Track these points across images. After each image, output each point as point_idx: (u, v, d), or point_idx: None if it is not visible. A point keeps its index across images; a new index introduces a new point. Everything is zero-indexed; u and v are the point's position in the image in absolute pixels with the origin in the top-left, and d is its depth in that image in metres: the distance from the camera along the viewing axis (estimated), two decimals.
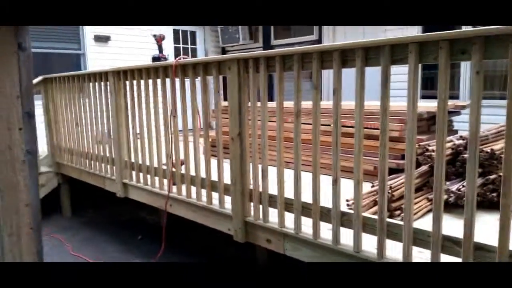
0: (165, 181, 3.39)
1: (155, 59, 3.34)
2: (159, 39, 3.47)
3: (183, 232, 4.50)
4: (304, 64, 2.23)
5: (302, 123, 2.31)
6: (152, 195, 3.57)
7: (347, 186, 2.29)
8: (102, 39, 6.64)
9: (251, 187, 2.65)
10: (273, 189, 2.51)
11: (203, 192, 3.04)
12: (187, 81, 2.99)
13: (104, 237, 4.68)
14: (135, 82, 3.57)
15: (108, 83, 3.87)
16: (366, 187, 2.57)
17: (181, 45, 7.85)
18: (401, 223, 1.95)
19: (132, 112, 3.68)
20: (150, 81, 3.36)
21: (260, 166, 2.56)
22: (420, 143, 3.00)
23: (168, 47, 7.57)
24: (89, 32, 6.55)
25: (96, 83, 4.11)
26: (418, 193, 2.76)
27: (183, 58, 2.94)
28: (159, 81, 3.26)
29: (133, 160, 3.79)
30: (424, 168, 2.89)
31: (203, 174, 2.99)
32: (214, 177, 2.88)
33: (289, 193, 2.42)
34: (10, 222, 1.40)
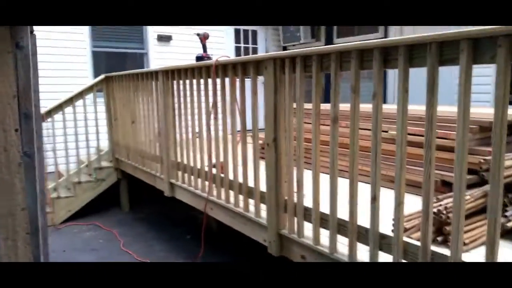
0: (206, 183, 3.31)
1: (198, 58, 3.28)
2: (203, 38, 3.40)
3: (232, 234, 4.42)
4: (342, 64, 1.99)
5: (361, 129, 2.06)
6: (195, 197, 3.52)
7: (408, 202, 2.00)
8: (164, 39, 6.81)
9: (286, 197, 2.46)
10: (309, 200, 2.30)
11: (241, 198, 2.90)
12: (237, 82, 2.87)
13: (154, 234, 4.76)
14: (181, 82, 3.54)
15: (158, 82, 3.89)
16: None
17: (242, 45, 7.82)
18: (449, 253, 1.65)
19: (178, 111, 3.67)
20: (195, 81, 3.30)
21: (295, 175, 2.36)
22: (485, 157, 2.59)
23: (229, 46, 7.58)
24: (152, 32, 6.75)
25: (148, 82, 4.17)
26: (481, 215, 2.38)
27: (224, 57, 2.83)
28: (202, 81, 3.18)
29: (179, 160, 3.78)
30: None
31: (242, 179, 2.86)
32: (253, 182, 2.73)
33: (326, 207, 2.19)
34: (5, 226, 1.35)
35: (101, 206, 5.68)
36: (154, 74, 3.98)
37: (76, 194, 5.32)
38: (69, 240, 4.64)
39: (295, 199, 2.38)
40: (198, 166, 3.42)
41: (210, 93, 3.06)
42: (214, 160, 3.18)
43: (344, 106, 2.23)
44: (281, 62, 2.34)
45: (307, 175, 2.30)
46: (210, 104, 3.10)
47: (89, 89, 5.36)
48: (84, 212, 5.39)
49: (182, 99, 3.57)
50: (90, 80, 5.78)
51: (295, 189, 2.37)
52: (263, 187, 2.62)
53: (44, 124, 5.08)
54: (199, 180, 3.44)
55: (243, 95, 2.74)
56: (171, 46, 6.91)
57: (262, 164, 2.60)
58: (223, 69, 2.89)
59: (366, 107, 2.19)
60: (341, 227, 2.12)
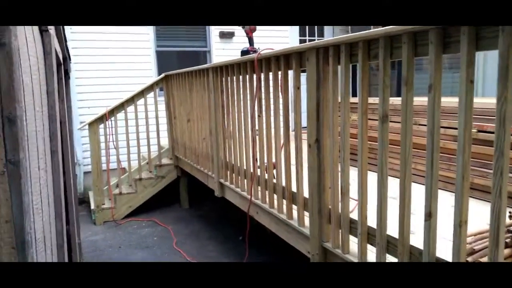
0: (254, 186, 3.10)
1: (244, 53, 3.07)
2: (249, 31, 3.18)
3: None
4: (393, 51, 1.64)
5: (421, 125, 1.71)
6: (242, 199, 3.33)
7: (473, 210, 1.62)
8: (226, 36, 6.73)
9: (330, 206, 2.16)
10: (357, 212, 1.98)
11: (285, 203, 2.65)
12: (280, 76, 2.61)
13: (209, 233, 4.67)
14: (229, 78, 3.36)
15: (208, 79, 3.76)
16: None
17: (307, 38, 7.48)
18: None
19: (226, 109, 3.50)
20: (241, 78, 3.10)
21: (340, 181, 2.05)
22: None
23: (293, 40, 7.29)
24: (214, 29, 6.70)
25: (200, 80, 4.06)
26: None
27: (267, 50, 2.58)
28: (247, 77, 2.97)
29: (227, 159, 3.61)
30: None
31: (285, 183, 2.60)
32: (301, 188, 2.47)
33: (375, 217, 1.85)
34: None
35: (161, 202, 5.76)
36: (205, 71, 3.86)
37: (137, 190, 5.43)
38: (127, 236, 4.73)
39: (340, 209, 2.07)
40: (244, 166, 3.22)
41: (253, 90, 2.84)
42: (265, 161, 2.96)
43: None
44: (324, 52, 2.04)
45: (355, 177, 1.98)
46: (255, 102, 2.88)
47: (150, 88, 5.43)
48: (144, 208, 5.49)
49: (229, 96, 3.40)
50: (154, 79, 5.86)
51: (340, 197, 2.06)
52: (306, 193, 2.34)
53: (107, 123, 5.24)
54: (245, 181, 3.24)
55: (286, 91, 2.48)
56: (233, 42, 6.81)
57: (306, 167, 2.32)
58: (267, 62, 2.64)
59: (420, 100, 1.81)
60: (391, 246, 1.78)
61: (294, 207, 2.54)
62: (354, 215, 2.00)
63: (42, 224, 1.53)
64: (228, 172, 3.60)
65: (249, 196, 3.12)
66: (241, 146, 3.26)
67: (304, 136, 2.34)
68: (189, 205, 5.81)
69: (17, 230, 1.25)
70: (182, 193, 5.81)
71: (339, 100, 1.97)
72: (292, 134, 2.49)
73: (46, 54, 1.70)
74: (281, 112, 2.56)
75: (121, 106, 5.30)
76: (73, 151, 3.61)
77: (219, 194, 3.83)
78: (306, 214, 2.41)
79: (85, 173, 6.20)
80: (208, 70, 3.73)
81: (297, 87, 2.33)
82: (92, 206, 5.32)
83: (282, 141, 2.59)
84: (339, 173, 2.04)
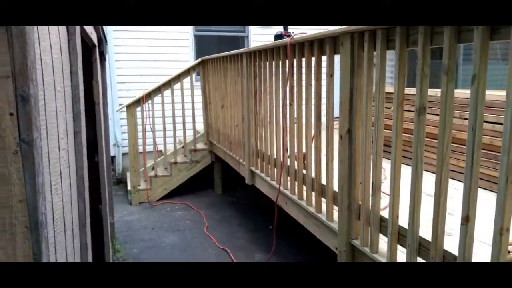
0: (283, 176, 3.02)
1: (277, 37, 2.95)
2: None
3: None
4: (434, 37, 1.49)
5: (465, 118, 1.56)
6: (271, 188, 3.26)
7: None
8: None
9: (360, 202, 2.04)
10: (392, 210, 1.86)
11: (314, 196, 2.55)
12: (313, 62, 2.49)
13: (239, 220, 4.65)
14: (262, 64, 3.27)
15: (242, 65, 3.69)
16: None
17: None
18: None
19: (259, 96, 3.41)
20: (274, 63, 3.00)
21: (371, 175, 1.93)
22: None
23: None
24: None
25: (234, 65, 3.99)
26: None
27: (301, 34, 2.46)
28: (280, 62, 2.87)
29: (258, 147, 3.55)
30: None
31: (314, 175, 2.50)
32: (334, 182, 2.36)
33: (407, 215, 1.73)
34: (2, 218, 1.23)
35: (195, 187, 5.81)
36: (240, 56, 3.78)
37: (172, 173, 5.50)
38: (160, 218, 4.80)
39: (370, 205, 1.95)
40: (274, 155, 3.14)
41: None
42: (295, 151, 2.86)
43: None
44: (359, 37, 1.90)
45: (388, 170, 1.85)
46: (286, 89, 2.78)
47: (187, 72, 5.44)
48: (179, 191, 5.56)
49: (262, 83, 3.31)
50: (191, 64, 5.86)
51: (371, 192, 1.94)
52: (336, 186, 2.23)
53: (144, 106, 5.31)
54: (275, 171, 3.16)
55: (319, 78, 2.36)
56: (271, 28, 6.66)
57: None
58: (300, 48, 2.53)
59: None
60: (423, 249, 1.65)
61: (323, 200, 2.44)
62: (386, 213, 1.88)
63: (62, 204, 1.53)
64: (259, 160, 3.53)
65: (278, 186, 3.04)
66: (271, 134, 3.18)
67: (336, 126, 2.23)
68: (222, 190, 5.83)
69: (30, 209, 1.25)
70: (216, 179, 5.82)
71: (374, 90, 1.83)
72: (323, 124, 2.38)
73: (69, 35, 1.69)
74: (313, 100, 2.45)
75: (158, 90, 5.34)
76: (108, 133, 3.68)
77: (249, 182, 3.78)
78: (335, 208, 2.31)
79: (124, 154, 6.36)
80: (242, 55, 3.65)
81: (330, 75, 2.20)
82: (129, 187, 5.46)
83: (313, 131, 2.48)
84: (371, 167, 1.91)
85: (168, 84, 5.36)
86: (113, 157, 6.62)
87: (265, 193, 3.46)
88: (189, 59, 6.33)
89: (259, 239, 4.10)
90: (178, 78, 5.38)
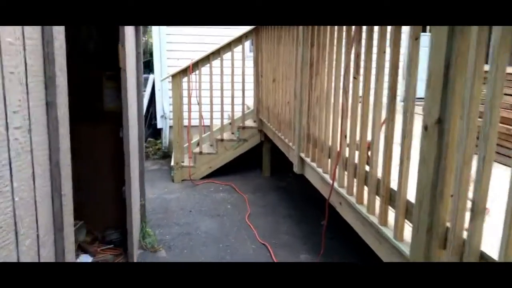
0: (337, 170, 2.41)
1: None
2: None
3: None
4: None
5: None
6: (323, 182, 2.67)
7: None
8: None
9: (448, 224, 1.40)
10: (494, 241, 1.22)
11: (378, 202, 1.93)
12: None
13: (286, 210, 4.12)
14: (322, 27, 2.62)
15: (298, 30, 3.06)
16: None
17: None
18: None
19: (316, 68, 2.79)
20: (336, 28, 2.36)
21: (472, 189, 1.28)
22: None
23: None
24: None
25: (290, 31, 3.37)
26: None
27: None
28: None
29: (311, 131, 2.95)
30: None
31: (381, 175, 1.87)
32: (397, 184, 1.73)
33: None
34: None
35: (241, 166, 5.35)
36: None
37: (218, 151, 5.07)
38: (200, 199, 4.41)
39: (465, 234, 1.31)
40: (329, 142, 2.53)
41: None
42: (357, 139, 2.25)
43: None
44: None
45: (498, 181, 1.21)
46: (351, 57, 2.14)
47: (238, 41, 4.88)
48: (224, 171, 5.14)
49: (320, 50, 2.67)
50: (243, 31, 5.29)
51: (467, 214, 1.30)
52: (412, 195, 1.60)
53: (191, 76, 4.87)
54: (329, 162, 2.56)
55: (397, 43, 1.70)
56: None
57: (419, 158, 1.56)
58: None
59: None
60: None
61: (391, 209, 1.82)
62: (487, 246, 1.24)
63: (12, 206, 1.08)
64: (310, 146, 2.94)
65: (331, 181, 2.45)
66: (327, 115, 2.56)
67: (419, 111, 1.58)
68: (270, 173, 5.31)
69: None
70: (264, 160, 5.31)
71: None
72: (399, 107, 1.73)
73: None
74: (386, 73, 1.80)
75: (207, 59, 4.86)
76: (141, 104, 3.26)
77: (298, 170, 3.21)
78: (408, 223, 1.68)
79: (171, 127, 6.03)
80: None
81: (415, 37, 1.53)
82: (172, 163, 5.12)
83: (383, 115, 1.84)
84: (471, 176, 1.27)
85: (218, 53, 4.85)
86: (160, 130, 6.34)
87: (316, 186, 2.88)
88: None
89: (307, 236, 3.55)
90: (229, 46, 4.84)
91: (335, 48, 2.39)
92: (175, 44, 5.91)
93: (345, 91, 2.23)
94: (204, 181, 5.00)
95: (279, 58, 3.79)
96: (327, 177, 2.57)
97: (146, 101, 6.27)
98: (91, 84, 3.17)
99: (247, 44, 5.19)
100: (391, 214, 1.81)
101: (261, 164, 5.36)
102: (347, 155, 2.26)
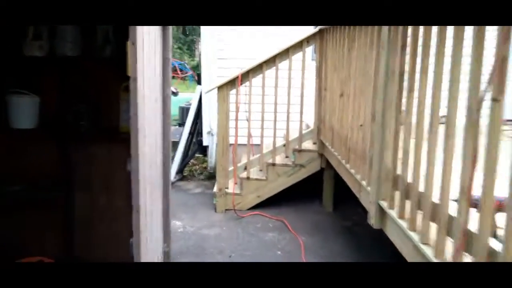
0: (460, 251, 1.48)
1: None
2: None
3: None
4: None
5: None
6: (418, 253, 1.74)
7: None
8: None
9: None
10: None
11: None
12: None
13: (358, 259, 3.20)
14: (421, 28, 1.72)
15: (381, 31, 2.17)
16: None
17: None
18: None
19: (410, 81, 1.88)
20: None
21: None
22: None
23: None
24: None
25: (368, 32, 2.49)
26: None
27: None
28: None
29: (399, 172, 2.03)
30: None
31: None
32: None
33: None
34: None
35: (297, 195, 4.48)
36: None
37: (268, 177, 4.26)
38: (244, 239, 3.61)
39: None
40: (436, 196, 1.61)
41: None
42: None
43: None
44: None
45: None
46: (489, 66, 1.23)
47: (298, 46, 4.06)
48: (275, 200, 4.31)
49: (418, 58, 1.77)
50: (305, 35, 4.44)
51: None
52: None
53: (241, 89, 4.12)
54: (432, 226, 1.63)
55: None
56: None
57: None
58: None
59: None
60: None
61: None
62: None
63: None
64: (398, 196, 2.02)
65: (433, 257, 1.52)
66: (431, 152, 1.64)
67: None
68: (333, 207, 4.38)
69: None
70: (325, 191, 4.39)
71: None
72: None
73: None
74: None
75: (259, 68, 4.09)
76: (168, 126, 2.53)
77: (375, 223, 2.30)
78: None
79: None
80: None
81: None
82: (215, 189, 4.38)
83: None
84: None
85: (272, 61, 4.06)
86: (206, 147, 5.68)
87: (402, 252, 1.95)
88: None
89: None
90: (286, 53, 4.04)
91: (450, 50, 1.48)
92: (226, 51, 5.23)
93: (472, 122, 1.31)
94: (250, 212, 4.20)
95: (350, 67, 2.91)
96: (426, 249, 1.64)
97: (193, 115, 5.64)
98: (108, 96, 2.54)
99: (309, 50, 4.35)
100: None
101: (320, 194, 4.45)
102: (477, 227, 1.33)
